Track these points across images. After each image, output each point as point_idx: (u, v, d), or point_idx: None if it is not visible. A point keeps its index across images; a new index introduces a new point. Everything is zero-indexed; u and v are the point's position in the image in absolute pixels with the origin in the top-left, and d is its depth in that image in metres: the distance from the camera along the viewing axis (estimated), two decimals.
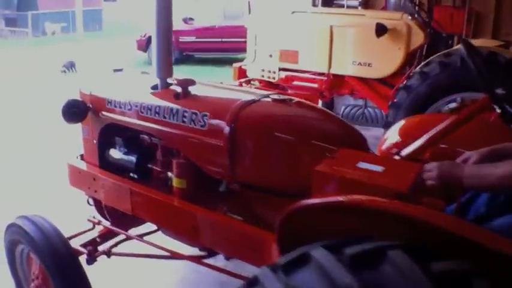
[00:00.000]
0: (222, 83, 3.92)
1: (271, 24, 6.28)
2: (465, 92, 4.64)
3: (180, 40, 16.09)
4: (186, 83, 2.62)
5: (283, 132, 2.30)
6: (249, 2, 16.30)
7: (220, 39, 16.04)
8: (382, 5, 8.52)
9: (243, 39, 15.82)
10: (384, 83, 5.94)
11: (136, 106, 2.75)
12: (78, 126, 3.16)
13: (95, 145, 3.08)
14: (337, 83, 6.13)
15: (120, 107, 2.85)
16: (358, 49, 5.84)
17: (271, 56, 6.30)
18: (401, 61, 5.70)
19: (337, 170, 1.91)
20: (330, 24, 5.90)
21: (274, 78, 6.35)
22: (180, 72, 14.48)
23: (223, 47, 16.17)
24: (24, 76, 13.48)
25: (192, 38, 16.16)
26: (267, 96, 2.53)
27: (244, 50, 16.01)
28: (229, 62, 16.19)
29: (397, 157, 2.49)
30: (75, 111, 2.95)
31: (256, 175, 2.37)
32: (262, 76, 6.42)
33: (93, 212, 3.25)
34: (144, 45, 16.29)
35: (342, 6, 8.37)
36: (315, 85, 6.17)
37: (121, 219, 3.14)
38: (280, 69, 6.30)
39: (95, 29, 27.80)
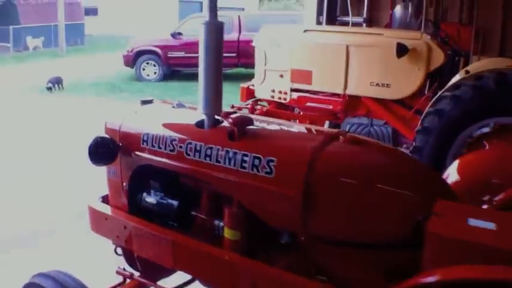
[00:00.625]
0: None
1: (282, 43, 5.98)
2: (498, 116, 4.35)
3: (169, 55, 15.78)
4: (242, 122, 2.30)
5: (370, 180, 2.01)
6: (239, 17, 16.16)
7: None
8: (386, 21, 8.36)
9: (232, 54, 15.84)
10: (402, 104, 5.69)
11: (181, 147, 2.42)
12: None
13: (125, 188, 2.72)
14: (352, 104, 5.85)
15: (160, 147, 2.51)
16: (376, 69, 5.57)
17: (281, 76, 6.00)
18: (421, 82, 5.46)
19: (453, 232, 1.68)
20: (346, 44, 5.63)
21: (285, 99, 6.05)
22: (168, 88, 14.23)
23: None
24: (7, 93, 13.00)
25: (181, 53, 15.82)
26: (337, 136, 2.22)
27: (233, 65, 15.99)
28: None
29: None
30: (103, 151, 2.60)
31: (337, 227, 2.06)
32: (272, 97, 6.12)
33: (120, 262, 2.90)
34: (131, 60, 15.93)
35: (347, 23, 8.15)
36: (329, 106, 5.89)
37: (153, 270, 2.80)
38: (291, 90, 6.00)
39: (77, 43, 27.33)
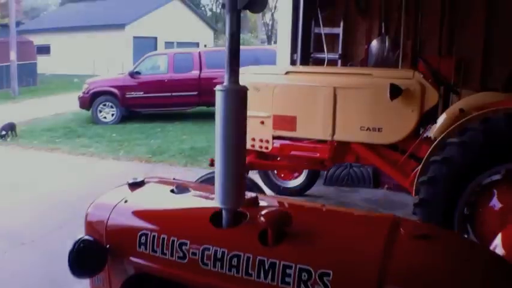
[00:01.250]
0: None
1: (262, 87, 5.46)
2: (510, 161, 4.09)
3: (127, 96, 15.11)
4: (279, 221, 1.74)
5: None
6: (199, 53, 15.67)
7: (170, 94, 15.15)
8: (361, 57, 8.02)
9: (193, 93, 15.30)
10: (394, 148, 5.25)
11: (195, 254, 1.84)
12: None
13: None
14: (341, 151, 5.37)
15: (164, 253, 1.92)
16: (366, 113, 5.11)
17: (262, 122, 5.47)
18: (415, 124, 5.03)
19: None
20: (334, 86, 5.16)
21: (267, 148, 5.50)
22: (128, 131, 13.52)
23: (173, 101, 15.29)
24: None
25: (140, 94, 15.19)
26: (395, 227, 1.69)
27: (195, 103, 15.43)
28: (179, 117, 15.46)
29: None
30: (89, 259, 1.99)
31: None
32: (253, 146, 5.56)
33: None
34: (88, 102, 15.19)
35: (322, 60, 7.78)
36: (316, 154, 5.39)
37: None
38: (274, 138, 5.47)
39: (29, 83, 26.31)
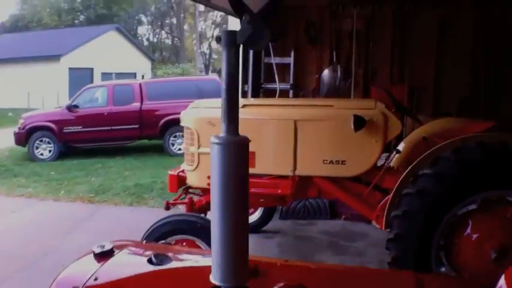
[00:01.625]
0: None
1: (217, 122, 5.13)
2: (485, 190, 4.00)
3: (65, 131, 14.41)
4: None
5: None
6: (140, 84, 15.17)
7: (110, 127, 14.56)
8: (313, 86, 7.89)
9: (134, 126, 14.76)
10: (358, 180, 5.04)
11: None
12: None
13: None
14: (303, 186, 5.10)
15: None
16: (329, 145, 4.88)
17: None
18: (378, 155, 4.86)
19: None
20: (294, 119, 4.91)
21: None
22: (67, 168, 12.75)
23: (114, 135, 14.68)
24: None
25: (78, 128, 14.52)
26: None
27: (136, 137, 14.87)
28: (120, 152, 14.88)
29: None
30: None
31: None
32: (209, 185, 5.19)
33: None
34: (24, 138, 14.39)
35: (274, 90, 7.57)
36: (277, 190, 5.10)
37: None
38: None
39: None
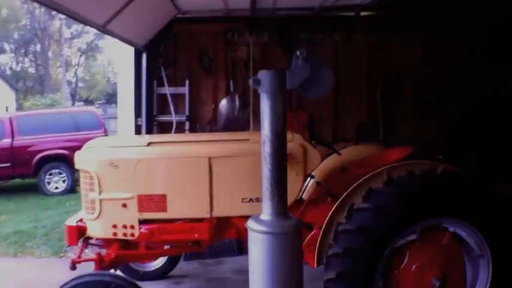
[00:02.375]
0: None
1: (121, 163, 4.60)
2: (424, 220, 4.01)
3: None
4: None
5: None
6: (10, 118, 13.80)
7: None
8: (209, 117, 7.56)
9: (6, 164, 13.36)
10: None
11: None
12: None
13: None
14: (221, 228, 4.72)
15: None
16: (247, 183, 4.54)
17: (125, 205, 4.56)
18: (300, 188, 4.62)
19: None
20: (208, 156, 4.52)
21: (133, 235, 4.60)
22: None
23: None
24: None
25: None
26: None
27: (8, 177, 13.49)
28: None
29: None
30: None
31: None
32: (115, 234, 4.61)
33: None
34: None
35: (169, 122, 7.13)
36: (193, 235, 4.66)
37: None
38: (140, 222, 4.61)
39: None
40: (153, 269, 6.07)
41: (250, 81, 1.43)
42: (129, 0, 5.03)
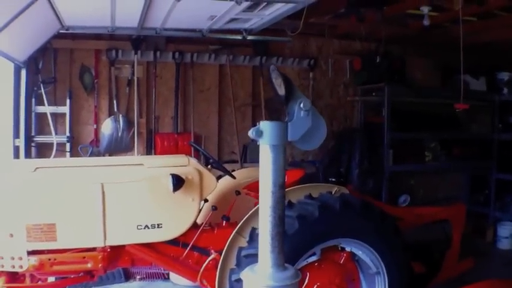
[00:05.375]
0: None
1: (4, 190, 4.28)
2: (324, 241, 4.18)
3: None
4: None
5: None
6: None
7: None
8: (91, 137, 7.29)
9: None
10: (175, 242, 4.70)
11: None
12: None
13: None
14: (115, 256, 4.55)
15: None
16: (142, 209, 4.44)
17: (11, 235, 4.25)
18: (196, 214, 4.61)
19: None
20: (101, 182, 4.36)
21: (21, 266, 4.28)
22: None
23: None
24: None
25: None
26: None
27: None
28: None
29: None
30: None
31: None
32: (2, 266, 4.27)
33: None
34: None
35: (48, 143, 6.77)
36: (87, 265, 4.44)
37: None
38: (29, 253, 4.31)
39: None
40: None
41: (251, 132, 1.41)
42: (15, 16, 4.72)
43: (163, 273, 6.58)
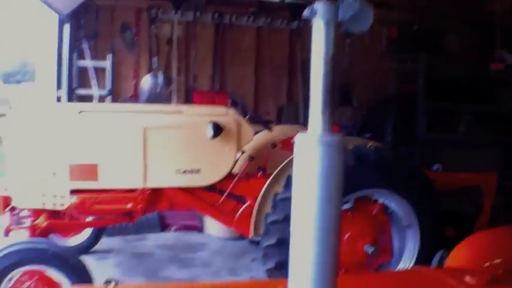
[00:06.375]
0: None
1: (51, 130, 4.46)
2: (358, 191, 4.27)
3: None
4: None
5: None
6: None
7: None
8: (130, 92, 7.46)
9: None
10: (212, 189, 4.84)
11: None
12: None
13: None
14: (154, 199, 4.70)
15: None
16: (182, 154, 4.58)
17: (55, 174, 4.44)
18: (233, 162, 4.74)
19: None
20: (143, 127, 4.50)
21: (62, 204, 4.48)
22: None
23: None
24: None
25: None
26: None
27: None
28: None
29: None
30: None
31: None
32: (44, 204, 4.48)
33: None
34: None
35: (89, 96, 6.96)
36: (127, 205, 4.62)
37: None
38: (71, 192, 4.50)
39: None
40: (76, 244, 5.91)
41: (306, 11, 1.49)
42: None
43: (197, 226, 6.76)
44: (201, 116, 4.63)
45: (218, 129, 4.48)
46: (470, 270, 2.45)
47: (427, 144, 7.96)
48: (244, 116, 5.13)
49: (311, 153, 1.30)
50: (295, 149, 1.38)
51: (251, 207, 4.61)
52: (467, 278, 2.21)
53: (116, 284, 1.59)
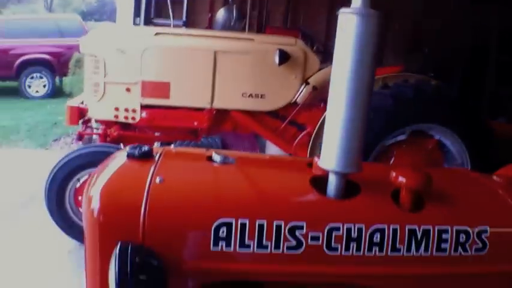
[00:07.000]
0: None
1: (128, 49, 4.76)
2: (414, 124, 4.32)
3: None
4: (426, 182, 1.35)
5: None
6: None
7: None
8: (205, 25, 7.66)
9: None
10: (275, 115, 5.04)
11: (317, 239, 1.33)
12: None
13: None
14: (220, 120, 4.98)
15: (263, 245, 1.35)
16: (249, 79, 4.79)
17: (128, 90, 4.77)
18: (296, 91, 4.89)
19: None
20: (214, 50, 4.72)
21: (134, 118, 4.82)
22: None
23: None
24: None
25: None
26: None
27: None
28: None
29: None
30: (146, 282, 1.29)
31: None
32: (116, 117, 4.83)
33: None
34: None
35: (168, 25, 7.21)
36: (193, 123, 4.92)
37: None
38: (142, 107, 4.83)
39: None
40: None
41: None
42: None
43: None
44: (270, 44, 4.78)
45: (285, 57, 4.63)
46: None
47: (495, 98, 7.78)
48: (312, 48, 5.25)
49: (350, 23, 1.44)
50: (338, 25, 1.51)
51: (310, 134, 4.77)
52: None
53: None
